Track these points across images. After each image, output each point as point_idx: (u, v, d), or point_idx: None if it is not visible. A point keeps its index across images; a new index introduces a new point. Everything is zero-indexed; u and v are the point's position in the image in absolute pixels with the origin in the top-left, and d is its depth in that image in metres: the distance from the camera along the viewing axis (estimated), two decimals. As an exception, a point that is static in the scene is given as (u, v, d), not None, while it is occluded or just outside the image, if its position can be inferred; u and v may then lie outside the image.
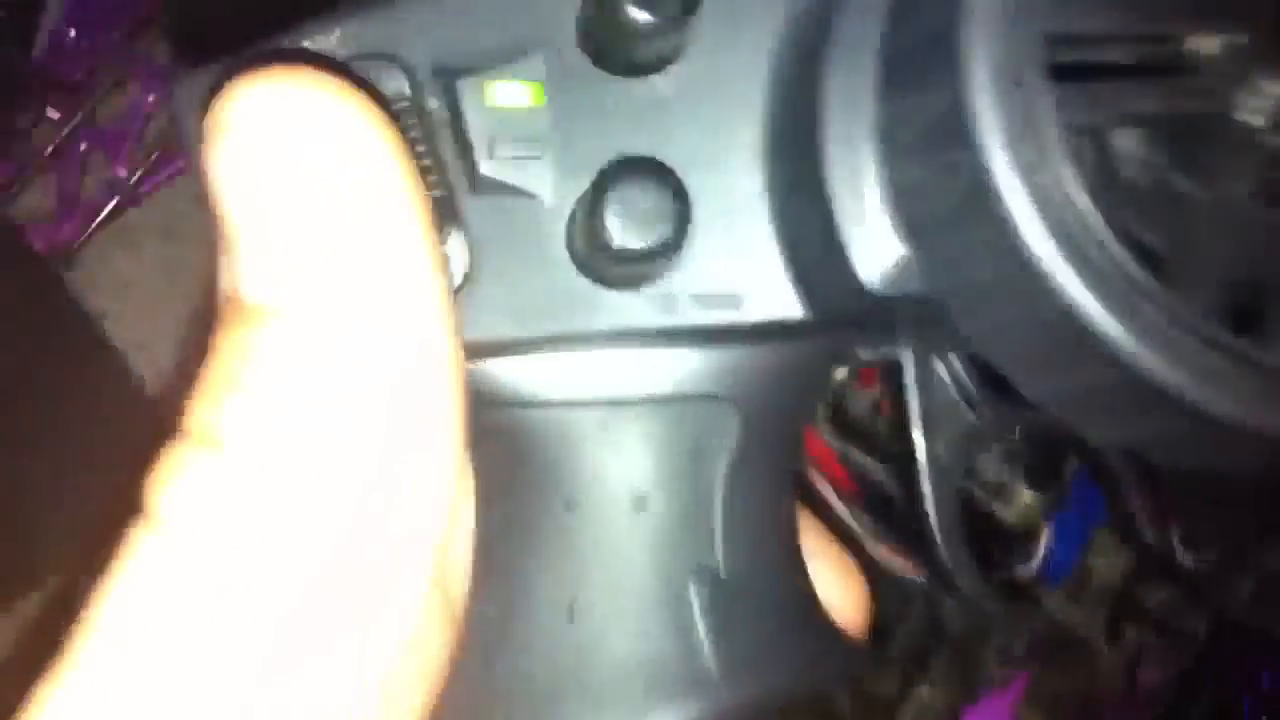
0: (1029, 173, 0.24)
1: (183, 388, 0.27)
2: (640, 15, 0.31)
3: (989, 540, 0.75)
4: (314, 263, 0.26)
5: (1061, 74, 0.25)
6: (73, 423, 0.77)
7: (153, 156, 0.97)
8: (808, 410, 0.38)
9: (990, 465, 0.78)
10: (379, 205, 0.27)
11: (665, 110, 0.33)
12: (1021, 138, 0.24)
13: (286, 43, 0.34)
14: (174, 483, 0.25)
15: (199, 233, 0.89)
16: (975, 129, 0.24)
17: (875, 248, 0.30)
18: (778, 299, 0.33)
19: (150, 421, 0.80)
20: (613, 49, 0.32)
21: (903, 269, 0.29)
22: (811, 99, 0.30)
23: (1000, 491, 0.78)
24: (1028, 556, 0.79)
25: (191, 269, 0.88)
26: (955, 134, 0.25)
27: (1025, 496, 0.79)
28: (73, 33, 0.93)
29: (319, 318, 0.26)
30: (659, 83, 0.33)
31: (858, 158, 0.29)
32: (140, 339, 0.86)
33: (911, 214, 0.28)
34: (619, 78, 0.33)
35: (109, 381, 0.83)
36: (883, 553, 0.77)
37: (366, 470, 0.26)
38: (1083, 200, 0.24)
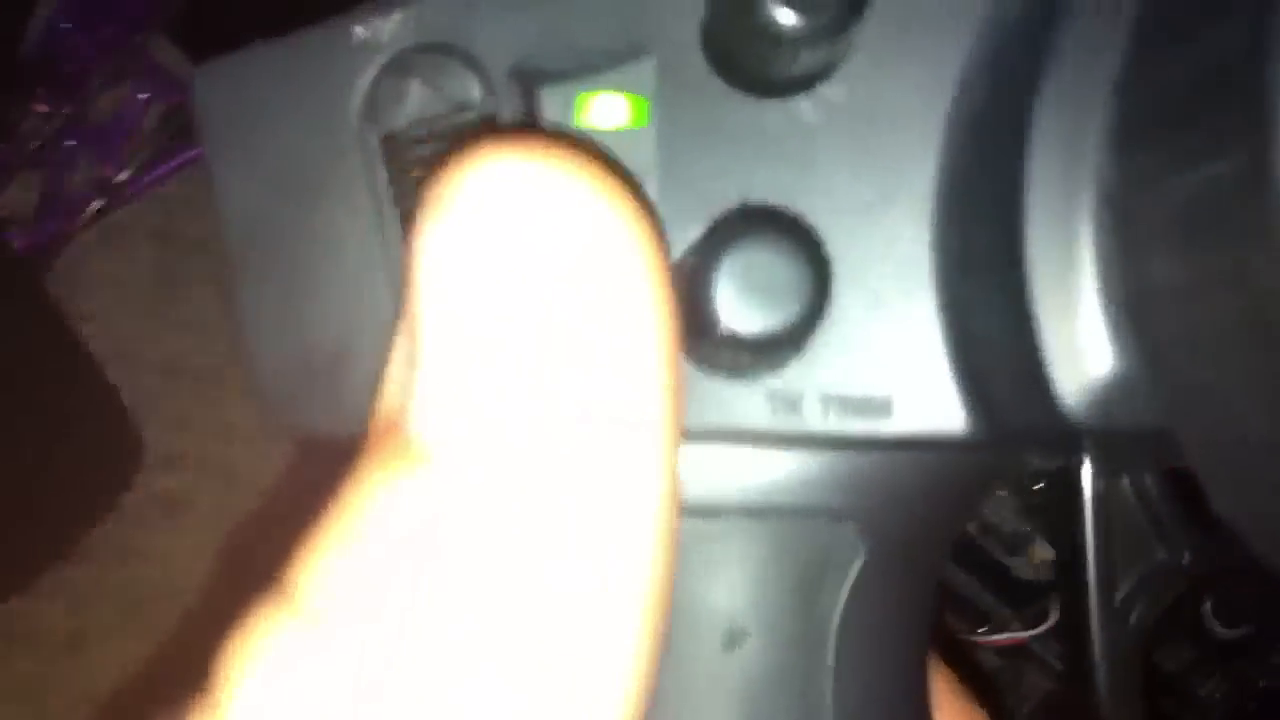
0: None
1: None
2: (788, 17, 0.23)
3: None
4: (522, 421, 0.18)
5: None
6: (31, 428, 0.72)
7: (147, 156, 0.92)
8: (952, 535, 0.30)
9: (1008, 518, 0.72)
10: (629, 366, 0.19)
11: (809, 145, 0.25)
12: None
13: (331, 26, 0.27)
14: (253, 657, 0.18)
15: (195, 236, 0.83)
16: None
17: (1087, 362, 0.21)
18: (936, 409, 0.24)
19: (119, 434, 0.75)
20: (747, 59, 0.24)
21: (1125, 395, 0.21)
22: (1013, 147, 0.22)
23: (1016, 546, 0.72)
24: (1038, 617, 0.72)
25: (184, 274, 0.83)
26: (1249, 220, 0.16)
27: (1043, 552, 0.71)
28: (68, 25, 0.88)
29: (504, 499, 0.18)
30: (804, 107, 0.25)
31: (1074, 236, 0.21)
32: (126, 345, 0.81)
33: (1154, 327, 0.20)
34: (751, 97, 0.25)
35: (76, 389, 0.78)
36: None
37: None
38: None
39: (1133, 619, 0.31)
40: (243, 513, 0.76)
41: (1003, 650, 0.73)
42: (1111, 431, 0.21)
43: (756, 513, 0.27)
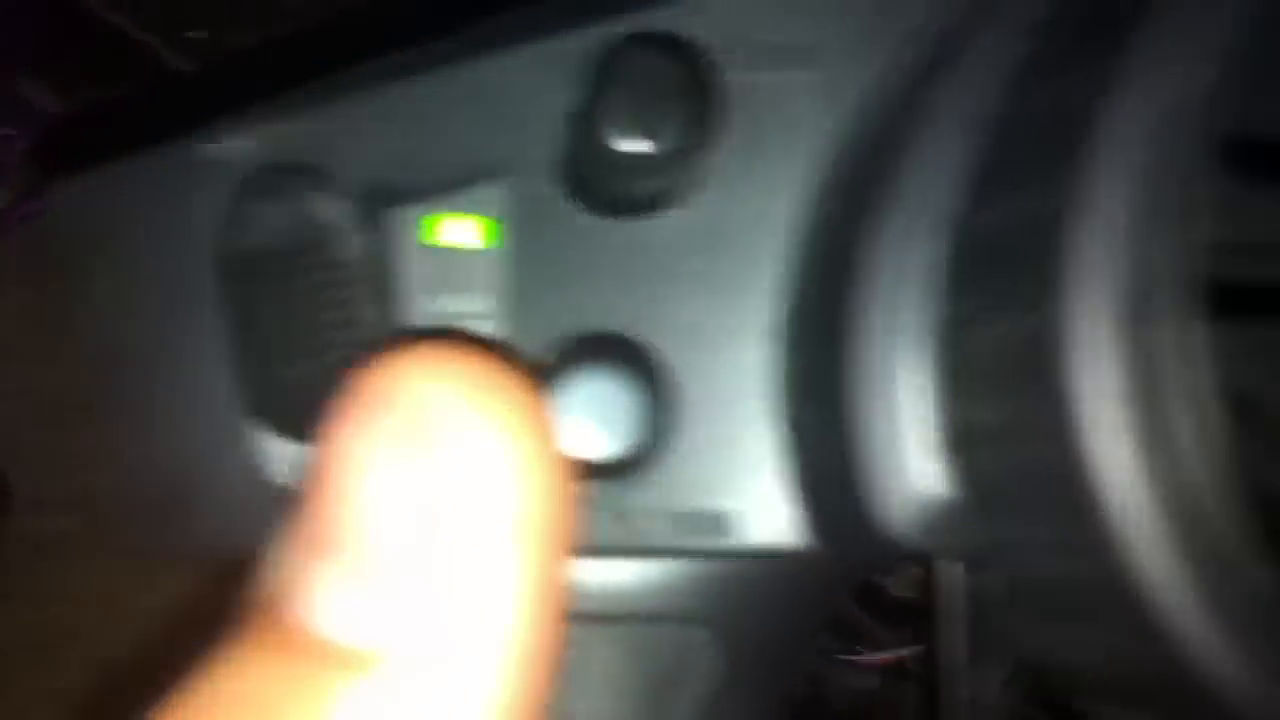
0: (1149, 459, 0.16)
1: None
2: (636, 145, 0.23)
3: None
4: (442, 606, 0.18)
5: (1236, 301, 0.17)
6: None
7: (13, 193, 0.90)
8: (806, 638, 0.30)
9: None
10: (529, 556, 0.19)
11: (656, 268, 0.25)
12: (1144, 403, 0.16)
13: (185, 143, 0.27)
14: None
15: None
16: (1074, 381, 0.17)
17: (911, 487, 0.22)
18: (772, 525, 0.25)
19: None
20: (596, 184, 0.25)
21: (947, 521, 0.22)
22: (846, 281, 0.22)
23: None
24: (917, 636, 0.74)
25: (54, 322, 0.81)
26: (1045, 380, 0.17)
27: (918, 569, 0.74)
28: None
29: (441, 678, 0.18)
30: (651, 231, 0.25)
31: (903, 368, 0.22)
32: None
33: (971, 464, 0.21)
34: (601, 219, 0.26)
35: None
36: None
37: None
38: (1222, 507, 0.16)
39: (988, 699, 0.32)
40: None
41: (883, 670, 0.73)
42: (934, 553, 0.22)
43: (609, 619, 0.27)
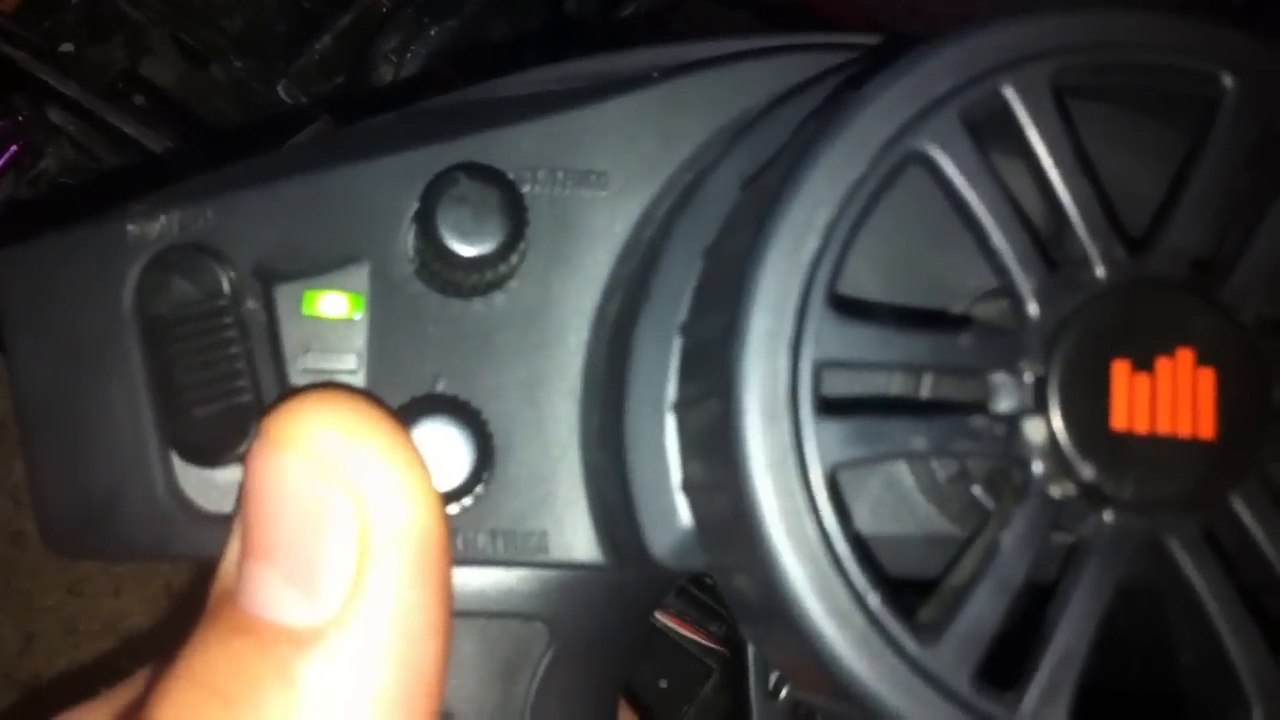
0: (787, 511, 0.23)
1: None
2: (461, 248, 0.30)
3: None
4: (357, 588, 0.26)
5: (838, 405, 0.24)
6: None
7: None
8: (635, 628, 0.37)
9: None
10: (418, 552, 0.27)
11: (487, 337, 0.32)
12: (782, 472, 0.23)
13: (109, 222, 0.33)
14: None
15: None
16: (739, 455, 0.23)
17: (665, 519, 0.28)
18: (579, 543, 0.32)
19: None
20: (436, 272, 0.31)
21: (691, 545, 0.28)
22: (625, 359, 0.29)
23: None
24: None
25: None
26: (723, 450, 0.24)
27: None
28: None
29: (361, 643, 0.26)
30: (483, 308, 0.32)
31: (659, 427, 0.28)
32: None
33: (693, 503, 0.27)
34: (445, 297, 0.32)
35: None
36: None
37: None
38: (841, 544, 0.23)
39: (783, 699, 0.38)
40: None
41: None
42: (685, 572, 0.29)
43: (463, 615, 0.34)
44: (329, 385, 0.32)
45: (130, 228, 0.33)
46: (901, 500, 0.28)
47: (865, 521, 0.28)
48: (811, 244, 0.23)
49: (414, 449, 0.27)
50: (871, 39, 0.34)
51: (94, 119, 0.69)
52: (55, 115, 0.69)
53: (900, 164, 0.24)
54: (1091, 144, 0.25)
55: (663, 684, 0.70)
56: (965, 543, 0.25)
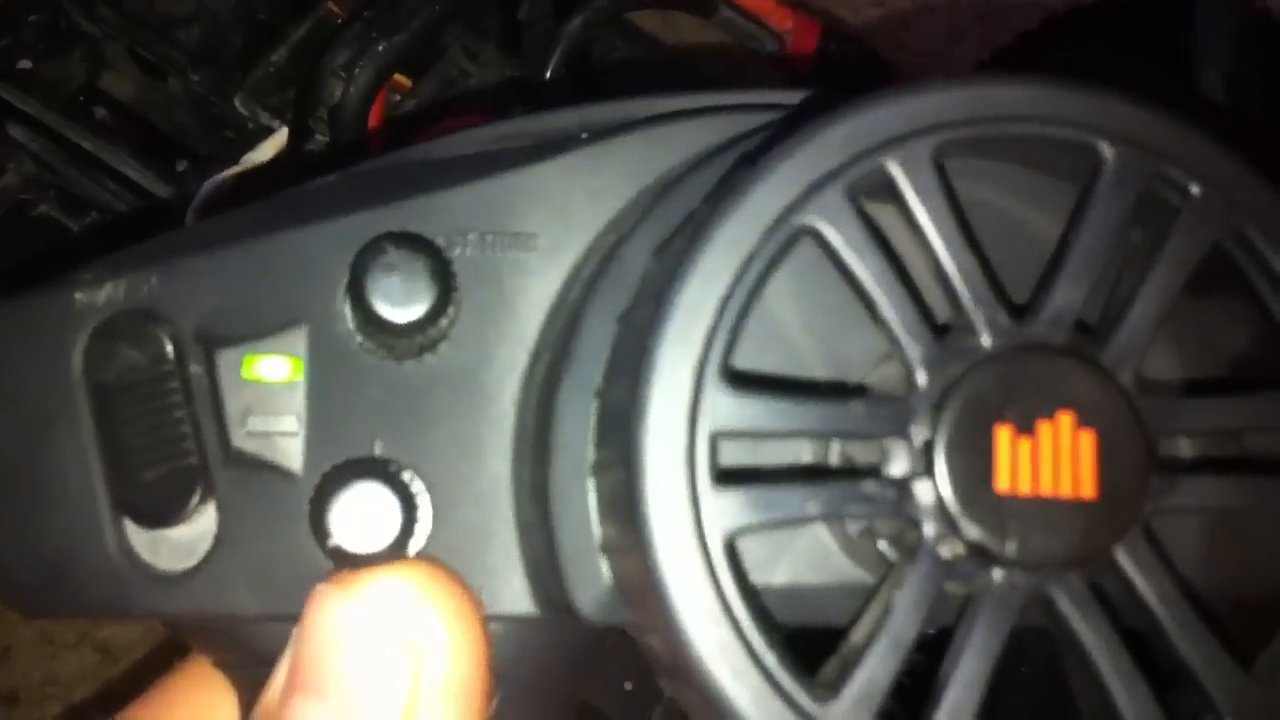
0: (688, 577, 0.24)
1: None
2: (390, 314, 0.31)
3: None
4: None
5: (737, 473, 0.25)
6: None
7: None
8: (576, 670, 0.38)
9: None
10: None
11: (422, 398, 0.33)
12: (681, 540, 0.24)
13: (58, 290, 0.34)
14: None
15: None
16: (642, 522, 0.24)
17: (589, 577, 0.29)
18: (514, 596, 0.32)
19: None
20: (369, 336, 0.32)
21: (614, 602, 0.29)
22: (551, 419, 0.30)
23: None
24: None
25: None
26: (629, 517, 0.25)
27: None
28: None
29: None
30: (417, 369, 0.33)
31: (581, 489, 0.29)
32: None
33: (610, 564, 0.28)
34: (380, 359, 0.33)
35: None
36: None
37: None
38: (739, 608, 0.24)
39: None
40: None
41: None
42: (610, 626, 0.30)
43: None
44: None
45: (78, 295, 0.34)
46: (820, 552, 0.29)
47: (786, 573, 0.29)
48: (706, 319, 0.24)
49: (473, 608, 0.30)
50: (793, 96, 0.35)
51: (55, 135, 0.70)
52: (16, 132, 0.70)
53: (790, 239, 0.25)
54: (995, 197, 0.26)
55: (628, 686, 0.70)
56: (866, 598, 0.26)
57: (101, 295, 0.34)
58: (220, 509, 0.33)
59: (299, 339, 0.33)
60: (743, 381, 0.24)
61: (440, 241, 0.32)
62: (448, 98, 0.69)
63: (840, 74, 0.77)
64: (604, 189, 0.33)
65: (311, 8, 0.70)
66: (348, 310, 0.33)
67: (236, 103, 0.67)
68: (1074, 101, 0.25)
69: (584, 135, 0.34)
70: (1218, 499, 0.25)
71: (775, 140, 0.26)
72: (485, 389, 0.33)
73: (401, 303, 0.31)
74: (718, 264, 0.24)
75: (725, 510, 0.24)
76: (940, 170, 0.25)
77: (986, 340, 0.25)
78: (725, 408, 0.24)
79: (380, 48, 0.64)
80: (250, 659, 0.34)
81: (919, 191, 0.25)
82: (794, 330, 0.28)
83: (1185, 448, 0.26)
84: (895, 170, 0.25)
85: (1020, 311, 0.25)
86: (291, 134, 0.66)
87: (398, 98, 0.71)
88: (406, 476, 0.32)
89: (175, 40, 0.68)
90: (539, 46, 0.70)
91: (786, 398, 0.25)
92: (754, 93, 0.36)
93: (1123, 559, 0.24)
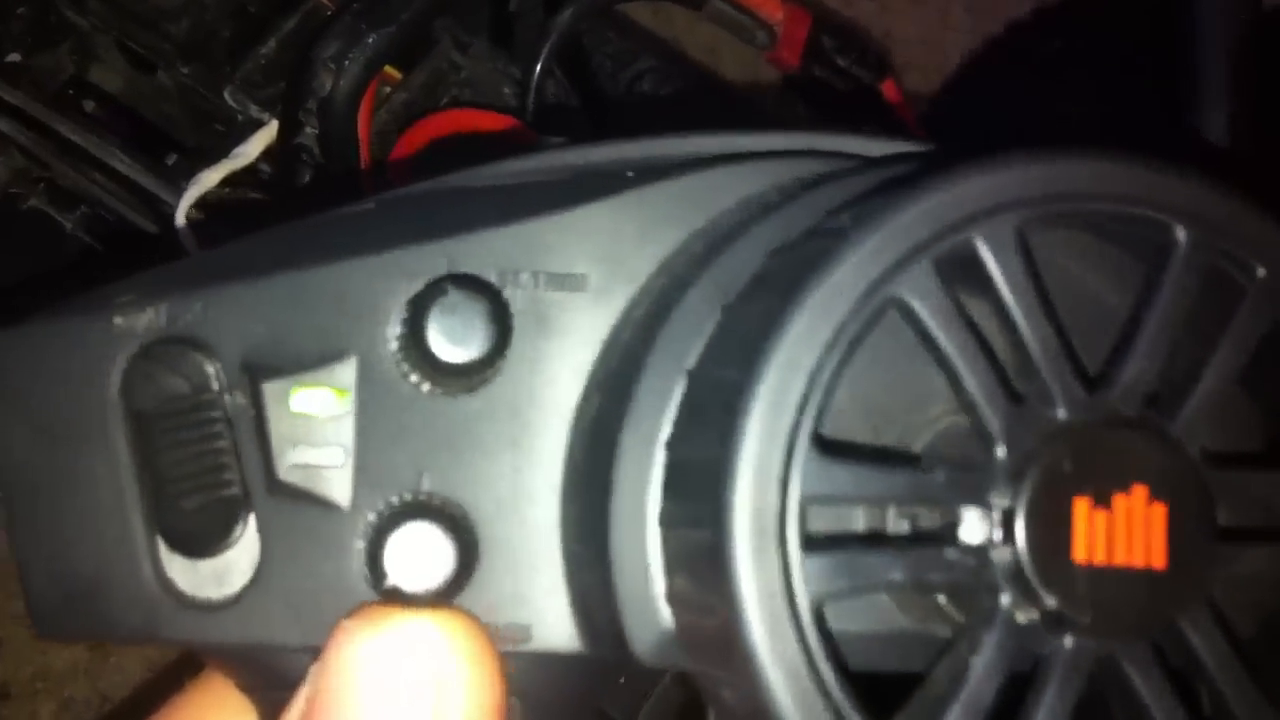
0: (777, 641, 0.25)
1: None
2: (448, 355, 0.31)
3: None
4: None
5: (822, 540, 0.25)
6: None
7: None
8: (597, 699, 0.38)
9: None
10: None
11: (471, 433, 0.33)
12: (771, 605, 0.25)
13: (96, 312, 0.34)
14: None
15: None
16: (731, 585, 0.25)
17: (649, 622, 0.30)
18: (561, 634, 0.33)
19: None
20: (422, 373, 0.32)
21: (671, 645, 0.30)
22: (610, 460, 0.30)
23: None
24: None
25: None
26: (714, 579, 0.25)
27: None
28: None
29: None
30: (467, 405, 0.33)
31: (642, 537, 0.30)
32: None
33: (677, 615, 0.29)
34: (430, 395, 0.33)
35: None
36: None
37: None
38: (827, 672, 0.25)
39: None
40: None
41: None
42: (665, 669, 0.30)
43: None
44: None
45: (117, 320, 0.34)
46: (868, 602, 0.30)
47: (832, 618, 0.30)
48: (798, 387, 0.25)
49: (493, 651, 0.31)
50: (837, 142, 0.35)
51: (44, 128, 0.69)
52: (4, 125, 0.69)
53: (879, 311, 0.25)
54: (1061, 259, 0.27)
55: (620, 679, 0.71)
56: (939, 654, 0.27)
57: (142, 320, 0.34)
58: (262, 540, 0.33)
59: (347, 371, 0.33)
60: (828, 448, 0.25)
61: (494, 280, 0.32)
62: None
63: (830, 67, 0.78)
64: (654, 231, 0.33)
65: (301, 0, 0.69)
66: (398, 345, 0.33)
67: (226, 95, 0.66)
68: (1153, 181, 0.26)
69: (630, 174, 0.34)
70: (1272, 566, 0.26)
71: (855, 207, 0.27)
72: (534, 427, 0.33)
73: (459, 343, 0.31)
74: (811, 332, 0.25)
75: (814, 576, 0.25)
76: (1023, 244, 0.26)
77: (1063, 413, 0.26)
78: (815, 475, 0.25)
79: (370, 40, 0.63)
80: (279, 683, 0.34)
81: (1003, 267, 0.25)
82: (845, 395, 0.28)
83: (1245, 518, 0.27)
84: (981, 246, 0.25)
85: (1094, 384, 0.26)
86: (281, 127, 0.65)
87: (388, 90, 0.70)
88: (461, 515, 0.32)
89: (164, 33, 0.66)
90: (530, 38, 0.69)
91: (872, 465, 0.25)
92: (799, 136, 0.36)
93: (1186, 626, 0.25)
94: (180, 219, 0.65)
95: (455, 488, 0.33)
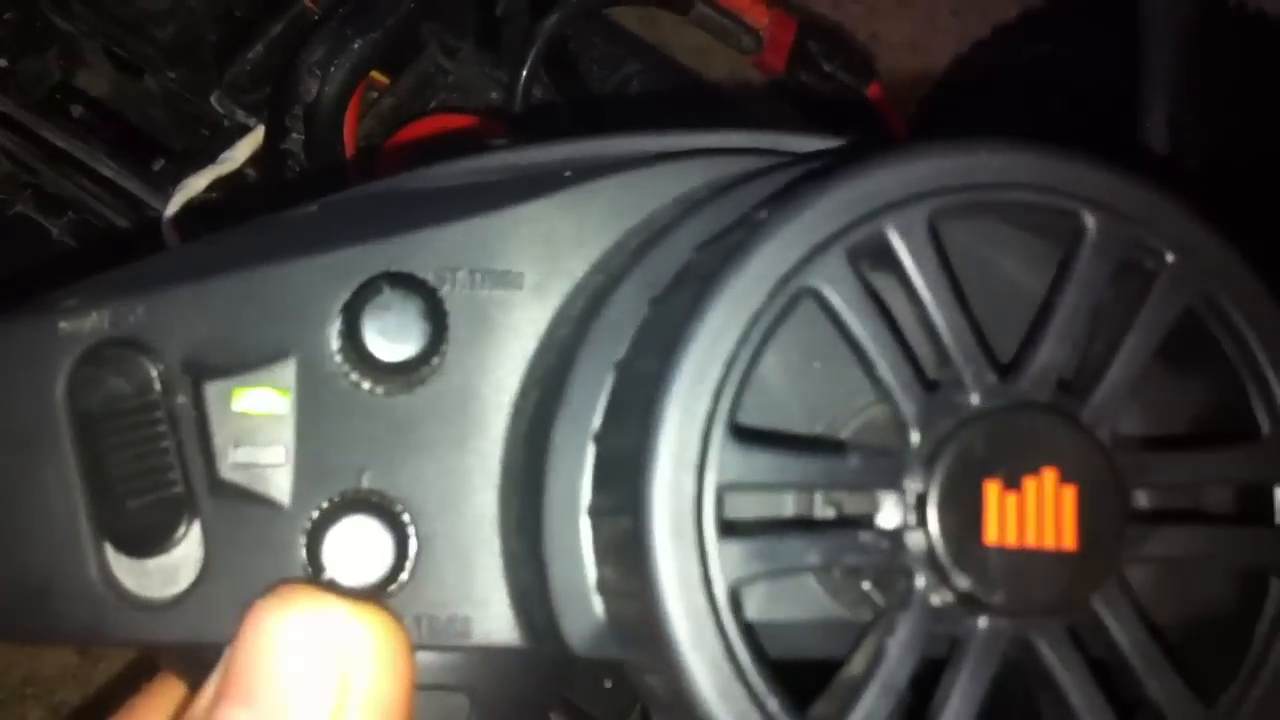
0: (694, 624, 0.25)
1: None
2: (384, 353, 0.32)
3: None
4: None
5: (737, 525, 0.26)
6: None
7: None
8: (548, 698, 0.39)
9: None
10: None
11: (410, 430, 0.33)
12: (688, 589, 0.25)
13: (42, 316, 0.34)
14: None
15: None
16: (649, 571, 0.25)
17: (581, 613, 0.30)
18: (500, 627, 0.33)
19: None
20: (360, 372, 0.33)
21: (605, 637, 0.30)
22: (544, 454, 0.31)
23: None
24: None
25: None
26: (635, 564, 0.26)
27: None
28: None
29: None
30: (405, 402, 0.33)
31: (575, 529, 0.30)
32: None
33: (606, 603, 0.29)
34: (369, 393, 0.33)
35: None
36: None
37: None
38: (743, 654, 0.25)
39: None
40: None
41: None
42: (602, 660, 0.31)
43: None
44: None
45: (62, 324, 0.34)
46: (801, 589, 0.30)
47: (764, 607, 0.30)
48: (714, 375, 0.25)
49: (401, 630, 0.31)
50: (773, 139, 0.36)
51: (30, 133, 0.69)
52: (-10, 131, 0.69)
53: (794, 300, 0.26)
54: (973, 246, 0.27)
55: (607, 684, 0.71)
56: (857, 637, 0.27)
57: (86, 324, 0.34)
58: (206, 539, 0.33)
59: (287, 371, 0.33)
60: (745, 436, 0.25)
61: (430, 279, 0.33)
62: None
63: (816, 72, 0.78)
64: (590, 229, 0.34)
65: (288, 5, 0.69)
66: (337, 345, 0.33)
67: (213, 100, 0.67)
68: (1061, 170, 0.27)
69: (568, 174, 0.35)
70: (1184, 549, 0.27)
71: (773, 200, 0.27)
72: (473, 423, 0.33)
73: (395, 341, 0.32)
74: (725, 322, 0.25)
75: (731, 561, 0.25)
76: (934, 234, 0.26)
77: (976, 398, 0.26)
78: (732, 462, 0.25)
79: (356, 45, 0.63)
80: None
81: (915, 255, 0.26)
82: (775, 384, 0.29)
83: (1153, 500, 0.27)
84: (893, 235, 0.26)
85: (1006, 370, 0.26)
86: (267, 132, 0.65)
87: (375, 94, 0.71)
88: (398, 509, 0.32)
89: (151, 37, 0.67)
90: (517, 42, 0.70)
91: (788, 451, 0.26)
92: (734, 134, 0.37)
93: (1099, 605, 0.26)
94: (167, 224, 0.65)
95: (395, 485, 0.33)
